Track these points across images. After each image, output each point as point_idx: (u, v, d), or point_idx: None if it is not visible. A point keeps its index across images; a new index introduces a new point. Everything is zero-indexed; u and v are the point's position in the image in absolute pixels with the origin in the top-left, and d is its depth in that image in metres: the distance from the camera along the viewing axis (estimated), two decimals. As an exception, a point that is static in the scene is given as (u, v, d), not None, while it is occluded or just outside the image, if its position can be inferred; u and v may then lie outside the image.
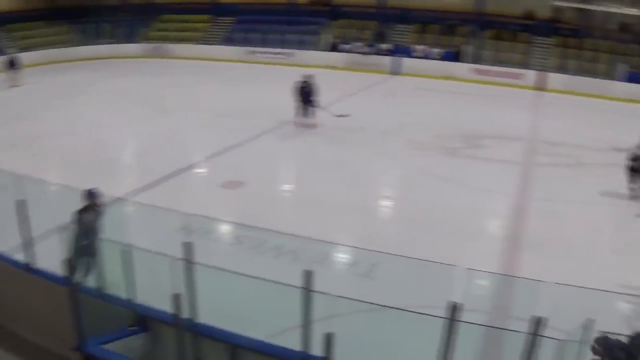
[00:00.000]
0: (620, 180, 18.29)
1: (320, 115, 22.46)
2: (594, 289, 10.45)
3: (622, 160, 19.22)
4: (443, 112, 28.23)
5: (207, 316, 7.63)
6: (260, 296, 8.47)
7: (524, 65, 39.38)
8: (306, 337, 6.73)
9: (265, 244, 12.15)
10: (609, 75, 38.31)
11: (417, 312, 7.79)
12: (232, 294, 8.59)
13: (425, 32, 42.57)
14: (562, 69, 38.78)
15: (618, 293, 11.46)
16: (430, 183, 17.58)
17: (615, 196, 17.56)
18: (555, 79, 37.71)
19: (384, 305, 7.82)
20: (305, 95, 22.41)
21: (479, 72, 38.93)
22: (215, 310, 7.89)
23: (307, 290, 6.46)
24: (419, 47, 41.02)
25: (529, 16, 42.16)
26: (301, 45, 42.78)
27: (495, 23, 41.74)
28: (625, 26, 41.74)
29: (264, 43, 43.15)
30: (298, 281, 6.47)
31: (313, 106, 22.57)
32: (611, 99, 36.06)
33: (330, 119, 22.24)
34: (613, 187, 18.15)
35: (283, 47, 42.53)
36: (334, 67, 39.89)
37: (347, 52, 41.68)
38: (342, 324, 7.37)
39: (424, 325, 6.97)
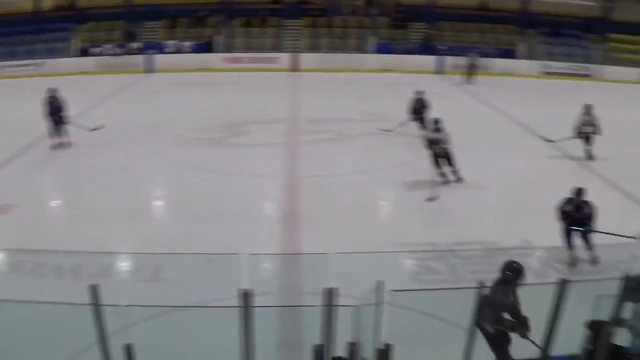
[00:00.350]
0: (382, 146, 19.14)
1: (74, 132, 20.64)
2: (376, 252, 10.85)
3: (381, 129, 20.13)
4: (202, 104, 28.16)
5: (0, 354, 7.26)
6: (51, 320, 8.13)
7: (277, 49, 40.20)
8: (106, 353, 6.53)
9: (45, 265, 11.60)
10: (359, 49, 39.96)
11: (208, 306, 7.76)
12: (22, 324, 8.18)
13: (175, 26, 42.34)
14: (314, 49, 39.96)
15: (398, 252, 12.11)
16: (201, 176, 17.46)
17: (382, 162, 18.41)
18: (309, 58, 38.87)
19: (176, 306, 7.75)
20: (54, 111, 20.14)
21: (233, 60, 39.30)
22: (7, 346, 7.50)
23: (96, 306, 6.26)
24: (170, 42, 40.80)
25: (277, 0, 42.94)
26: (51, 53, 40.81)
27: (244, 10, 42.32)
28: (371, 0, 43.58)
29: (11, 56, 40.79)
30: (85, 298, 6.25)
31: (64, 123, 20.36)
32: (364, 71, 37.70)
33: (85, 134, 20.71)
34: (377, 155, 19.00)
35: (32, 58, 40.46)
36: (86, 73, 38.45)
37: (98, 55, 40.53)
38: (140, 332, 7.23)
39: (222, 318, 6.93)
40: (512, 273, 7.88)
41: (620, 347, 5.60)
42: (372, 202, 16.18)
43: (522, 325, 7.38)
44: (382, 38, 41.04)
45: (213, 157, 19.55)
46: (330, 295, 5.72)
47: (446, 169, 16.54)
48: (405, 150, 19.87)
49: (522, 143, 21.45)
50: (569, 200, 11.62)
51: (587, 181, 17.15)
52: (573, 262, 11.60)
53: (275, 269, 12.09)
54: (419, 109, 20.79)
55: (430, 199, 15.33)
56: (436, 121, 16.62)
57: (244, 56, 39.58)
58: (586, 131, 19.06)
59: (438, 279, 11.34)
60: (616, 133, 20.18)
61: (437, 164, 16.47)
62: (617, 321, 6.96)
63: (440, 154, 16.34)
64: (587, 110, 19.08)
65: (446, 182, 16.53)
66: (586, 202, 11.56)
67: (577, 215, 11.47)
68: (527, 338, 7.09)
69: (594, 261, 11.58)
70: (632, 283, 7.34)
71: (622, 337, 5.92)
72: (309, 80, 35.37)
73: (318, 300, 5.81)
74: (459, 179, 16.64)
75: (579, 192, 11.58)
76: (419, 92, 21.39)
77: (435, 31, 42.19)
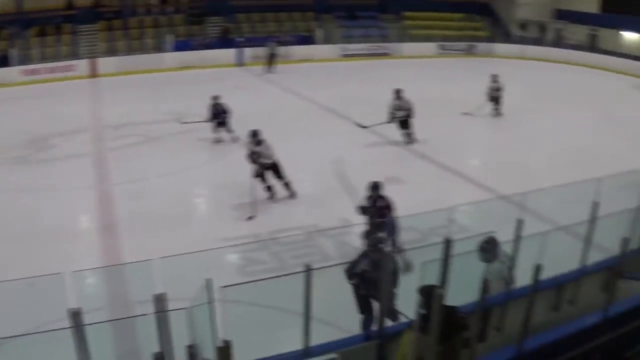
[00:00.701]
0: (190, 146, 19.27)
1: None
2: (199, 251, 10.91)
3: (182, 122, 20.34)
4: (2, 122, 26.07)
5: None
6: None
7: (74, 56, 39.01)
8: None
9: None
10: (158, 49, 39.57)
11: (39, 332, 7.57)
12: None
13: (-34, 43, 40.23)
14: (112, 52, 39.22)
15: (221, 248, 12.30)
16: (10, 197, 16.66)
17: (191, 162, 18.84)
18: (107, 63, 38.07)
19: (6, 337, 7.53)
20: None
21: (29, 72, 37.53)
22: None
23: None
24: (-37, 61, 38.75)
25: (70, 6, 41.69)
26: None
27: (38, 19, 40.62)
28: (165, -2, 43.42)
29: None
30: None
31: None
32: (163, 70, 37.46)
33: None
34: (185, 155, 19.58)
35: None
36: None
37: None
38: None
39: (56, 341, 6.77)
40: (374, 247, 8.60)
41: (452, 307, 5.94)
42: (187, 202, 16.37)
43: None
44: (180, 35, 40.89)
45: (20, 175, 18.67)
46: (160, 301, 5.73)
47: (274, 182, 15.63)
48: (212, 149, 20.37)
49: (332, 128, 22.05)
50: (367, 197, 11.95)
51: (408, 161, 18.01)
52: None
53: (101, 282, 11.93)
54: (217, 114, 20.72)
55: (250, 218, 14.45)
56: (254, 134, 15.35)
57: (41, 67, 38.08)
58: (399, 115, 19.67)
59: (264, 269, 11.55)
60: (422, 107, 20.78)
61: (261, 178, 15.40)
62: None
63: (265, 167, 15.29)
64: (398, 94, 19.66)
65: (272, 198, 15.67)
66: (381, 197, 11.88)
67: (373, 210, 11.80)
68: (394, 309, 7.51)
69: (407, 267, 9.50)
70: (483, 244, 7.83)
71: (452, 298, 6.28)
72: (109, 85, 34.47)
73: (149, 308, 5.81)
74: (292, 194, 15.81)
75: (375, 186, 11.92)
76: (215, 97, 20.95)
77: (232, 24, 42.49)
